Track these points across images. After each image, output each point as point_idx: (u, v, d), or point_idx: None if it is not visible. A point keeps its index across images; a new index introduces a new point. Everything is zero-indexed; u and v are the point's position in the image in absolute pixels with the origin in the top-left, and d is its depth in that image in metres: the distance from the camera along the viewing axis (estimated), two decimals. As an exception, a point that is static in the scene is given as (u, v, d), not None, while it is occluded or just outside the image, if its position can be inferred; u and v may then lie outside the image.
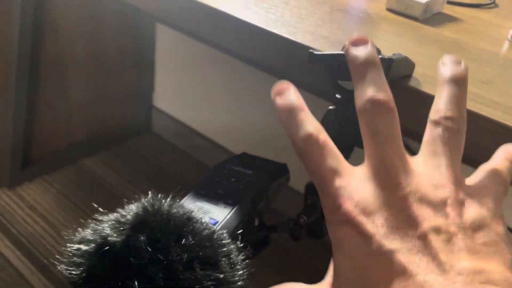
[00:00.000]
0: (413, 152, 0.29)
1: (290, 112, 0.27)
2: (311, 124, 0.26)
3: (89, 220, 0.37)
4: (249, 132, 1.39)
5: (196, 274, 0.33)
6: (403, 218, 0.23)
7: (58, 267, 0.32)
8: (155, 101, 1.63)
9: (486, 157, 0.37)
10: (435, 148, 0.26)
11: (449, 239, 0.23)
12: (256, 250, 0.46)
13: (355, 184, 0.25)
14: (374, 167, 0.25)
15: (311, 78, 0.45)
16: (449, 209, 0.24)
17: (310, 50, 0.37)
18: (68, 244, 0.34)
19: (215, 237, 0.36)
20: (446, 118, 0.26)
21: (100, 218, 0.37)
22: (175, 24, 0.56)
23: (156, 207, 0.37)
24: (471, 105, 0.37)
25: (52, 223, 1.23)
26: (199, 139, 1.53)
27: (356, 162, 0.27)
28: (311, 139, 0.26)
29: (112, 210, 0.40)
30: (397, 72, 0.38)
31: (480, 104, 0.38)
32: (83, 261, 0.33)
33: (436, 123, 0.27)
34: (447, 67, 0.28)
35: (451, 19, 0.59)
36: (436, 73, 0.29)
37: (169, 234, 0.34)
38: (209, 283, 0.34)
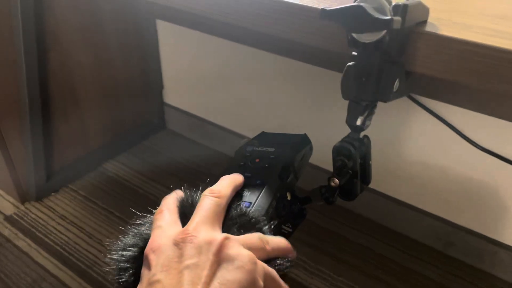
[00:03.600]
0: None
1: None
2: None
3: (128, 226, 0.37)
4: (263, 116, 1.39)
5: None
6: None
7: (109, 278, 0.33)
8: (166, 98, 1.63)
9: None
10: None
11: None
12: (294, 224, 0.46)
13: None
14: None
15: (321, 40, 0.45)
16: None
17: (322, 7, 0.36)
18: (112, 252, 0.35)
19: (252, 221, 0.36)
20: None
21: (138, 221, 0.37)
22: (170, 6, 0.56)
23: (190, 201, 0.37)
24: (493, 41, 0.36)
25: (84, 228, 1.25)
26: (214, 129, 1.53)
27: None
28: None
29: (140, 208, 0.40)
30: (412, 18, 0.37)
31: (502, 39, 0.37)
32: (129, 265, 0.34)
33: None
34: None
35: (457, -37, 0.57)
36: None
37: None
38: None
